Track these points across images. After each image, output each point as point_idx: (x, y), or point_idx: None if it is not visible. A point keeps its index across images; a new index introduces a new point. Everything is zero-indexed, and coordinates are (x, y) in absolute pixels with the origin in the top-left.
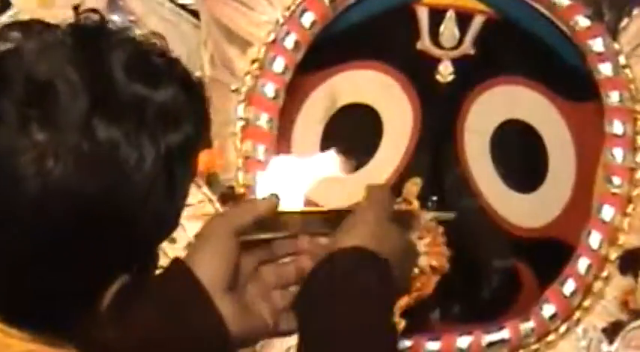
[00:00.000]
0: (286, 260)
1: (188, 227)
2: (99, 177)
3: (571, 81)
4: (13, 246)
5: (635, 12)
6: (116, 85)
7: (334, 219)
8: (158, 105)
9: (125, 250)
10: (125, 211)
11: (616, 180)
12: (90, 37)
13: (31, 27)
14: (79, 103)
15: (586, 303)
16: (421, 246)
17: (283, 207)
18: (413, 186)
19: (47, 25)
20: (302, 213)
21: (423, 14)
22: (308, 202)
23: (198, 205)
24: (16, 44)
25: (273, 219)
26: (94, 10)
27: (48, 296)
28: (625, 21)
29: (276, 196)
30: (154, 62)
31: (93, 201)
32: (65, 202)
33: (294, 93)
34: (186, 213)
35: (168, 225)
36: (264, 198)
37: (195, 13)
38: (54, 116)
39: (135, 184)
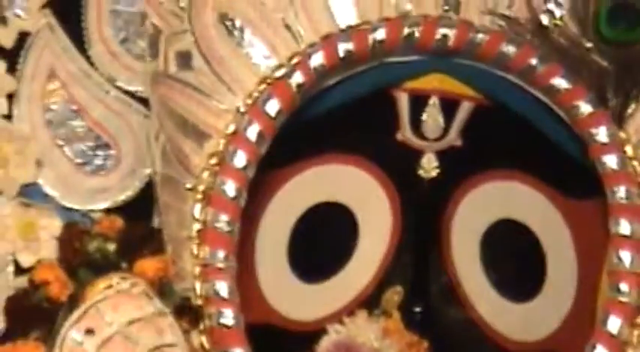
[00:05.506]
0: None
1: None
2: None
3: (572, 175)
4: None
5: None
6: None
7: None
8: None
9: None
10: None
11: (623, 287)
12: None
13: None
14: None
15: None
16: None
17: None
18: (393, 296)
19: None
20: None
21: (403, 101)
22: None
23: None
24: None
25: None
26: None
27: None
28: (632, 107)
29: None
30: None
31: None
32: None
33: (258, 192)
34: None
35: None
36: None
37: (145, 102)
38: None
39: None
